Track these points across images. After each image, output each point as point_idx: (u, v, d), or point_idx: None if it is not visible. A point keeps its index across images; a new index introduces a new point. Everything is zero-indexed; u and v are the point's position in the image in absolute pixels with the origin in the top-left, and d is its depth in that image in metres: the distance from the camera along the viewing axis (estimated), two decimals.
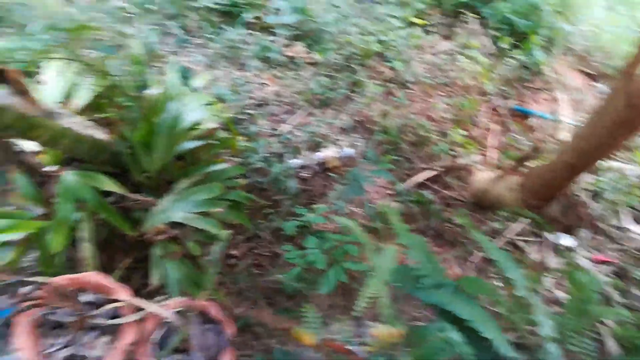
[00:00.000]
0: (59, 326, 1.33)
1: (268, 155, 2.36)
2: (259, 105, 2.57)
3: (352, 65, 2.77)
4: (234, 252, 2.21)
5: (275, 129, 2.49)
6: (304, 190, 2.33)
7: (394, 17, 3.01)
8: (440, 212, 2.25)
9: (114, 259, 1.86)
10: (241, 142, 2.21)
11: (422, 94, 2.76)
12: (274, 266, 2.15)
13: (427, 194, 2.34)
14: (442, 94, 2.78)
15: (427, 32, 3.06)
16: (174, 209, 1.71)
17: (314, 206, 2.26)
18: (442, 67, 2.87)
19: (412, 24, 3.05)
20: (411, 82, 2.76)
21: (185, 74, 1.55)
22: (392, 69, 2.81)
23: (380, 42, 2.83)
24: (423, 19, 3.08)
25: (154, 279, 1.70)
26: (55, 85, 1.81)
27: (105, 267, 1.73)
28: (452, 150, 2.53)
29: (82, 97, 1.81)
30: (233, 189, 1.99)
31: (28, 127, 1.37)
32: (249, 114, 2.50)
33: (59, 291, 1.26)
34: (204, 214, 1.79)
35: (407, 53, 2.85)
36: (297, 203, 2.26)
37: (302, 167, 2.36)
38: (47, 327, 1.32)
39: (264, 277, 2.15)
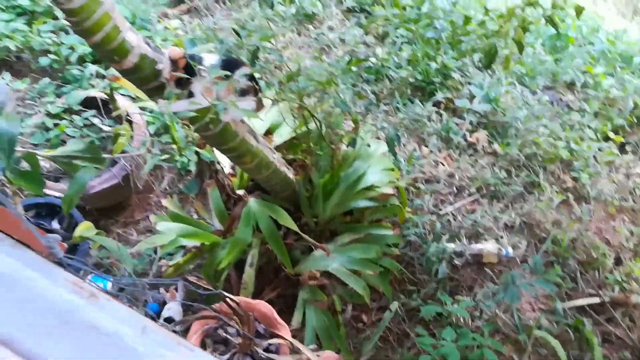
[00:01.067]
0: (224, 342, 1.42)
1: (426, 232, 2.34)
2: (428, 181, 2.58)
3: (533, 165, 2.67)
4: (364, 317, 2.20)
5: (440, 209, 2.47)
6: (452, 277, 2.26)
7: (589, 127, 2.86)
8: (598, 346, 2.01)
9: (262, 289, 1.97)
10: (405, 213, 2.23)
11: (604, 214, 2.54)
12: (402, 346, 2.09)
13: (587, 322, 2.11)
14: (627, 219, 2.54)
15: (623, 151, 2.85)
16: (332, 259, 1.76)
17: (459, 297, 2.17)
18: (633, 190, 2.63)
19: (607, 139, 2.86)
20: (594, 198, 2.56)
21: (393, 142, 1.63)
22: (575, 179, 2.65)
23: (568, 149, 2.69)
24: (620, 136, 2.87)
25: (295, 321, 1.76)
26: (264, 119, 2.03)
27: (252, 294, 1.84)
28: (626, 282, 2.27)
29: (282, 136, 2.00)
30: (387, 255, 2.01)
31: (245, 152, 1.53)
32: (416, 187, 2.53)
33: (237, 311, 1.35)
34: (355, 272, 1.82)
35: (596, 167, 2.67)
36: (442, 289, 2.20)
37: (457, 253, 2.29)
38: (213, 339, 1.43)
39: (387, 352, 2.09)
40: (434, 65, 2.99)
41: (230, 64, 1.35)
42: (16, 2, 2.99)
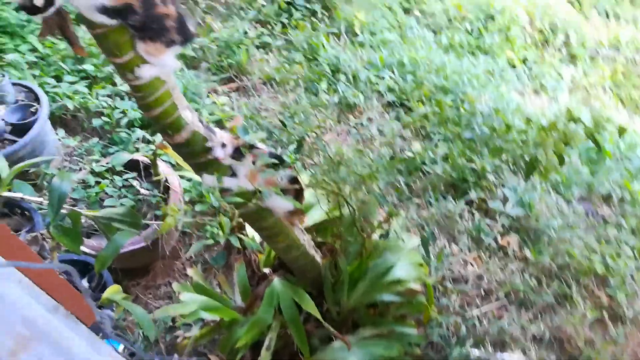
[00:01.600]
0: None
1: (450, 334, 2.25)
2: (456, 281, 2.52)
3: (565, 277, 2.59)
4: None
5: (465, 311, 2.39)
6: None
7: (626, 244, 2.78)
8: None
9: None
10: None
11: None
12: None
13: None
14: None
15: None
16: (352, 353, 1.70)
17: None
18: None
19: None
20: (630, 320, 2.44)
21: (427, 240, 1.62)
22: (610, 297, 2.54)
23: (604, 264, 2.61)
24: None
25: None
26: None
27: None
28: None
29: (314, 218, 2.01)
30: (408, 355, 1.92)
31: (279, 233, 1.55)
32: (444, 285, 2.47)
33: None
34: None
35: (634, 287, 2.57)
36: None
37: None
38: None
39: None
40: (469, 164, 3.02)
41: (276, 159, 1.42)
42: (82, 67, 3.22)
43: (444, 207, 2.82)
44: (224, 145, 1.32)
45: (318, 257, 1.86)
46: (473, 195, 2.91)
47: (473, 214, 2.84)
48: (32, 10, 1.11)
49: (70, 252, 2.04)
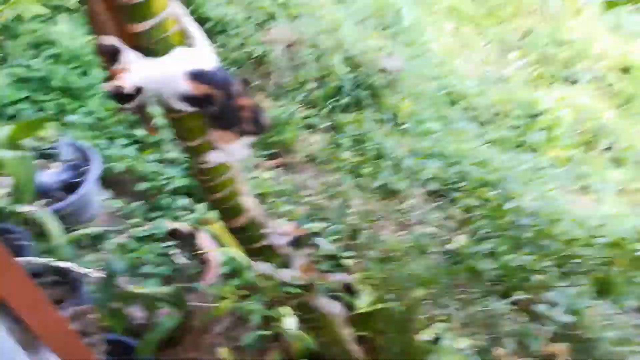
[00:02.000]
0: None
1: None
2: None
3: None
4: None
5: None
6: None
7: None
8: None
9: None
10: None
11: None
12: None
13: None
14: None
15: None
16: None
17: None
18: None
19: None
20: None
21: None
22: None
23: None
24: None
25: None
26: None
27: None
28: None
29: (356, 308, 1.91)
30: None
31: (322, 327, 1.46)
32: None
33: None
34: None
35: None
36: None
37: None
38: None
39: None
40: (515, 263, 2.89)
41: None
42: (133, 133, 3.32)
43: (488, 305, 2.67)
44: (282, 235, 1.29)
45: (357, 354, 1.75)
46: (518, 294, 2.75)
47: (519, 316, 2.67)
48: (123, 99, 1.14)
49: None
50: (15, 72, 3.30)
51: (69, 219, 2.70)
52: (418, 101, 4.41)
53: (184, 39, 1.18)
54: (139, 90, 1.12)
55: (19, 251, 2.08)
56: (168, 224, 2.66)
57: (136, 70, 1.11)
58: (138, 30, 1.09)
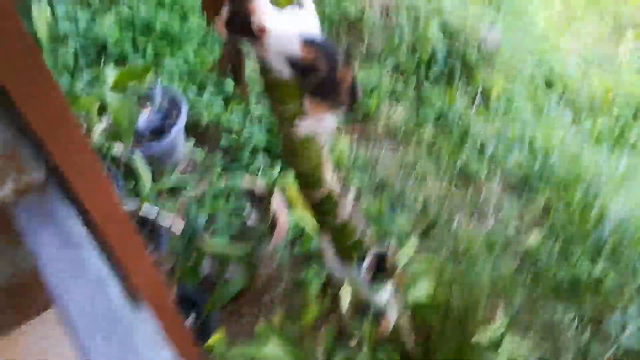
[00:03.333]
0: None
1: None
2: None
3: None
4: None
5: None
6: None
7: None
8: None
9: None
10: None
11: None
12: None
13: None
14: None
15: None
16: None
17: None
18: None
19: None
20: None
21: None
22: None
23: None
24: None
25: None
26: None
27: None
28: None
29: (416, 294, 1.92)
30: None
31: None
32: None
33: None
34: None
35: None
36: None
37: None
38: None
39: None
40: (590, 271, 2.76)
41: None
42: (222, 85, 3.40)
43: (553, 314, 2.59)
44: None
45: (411, 345, 1.78)
46: (586, 307, 2.65)
47: (584, 330, 2.58)
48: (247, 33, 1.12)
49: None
50: (122, 13, 3.44)
51: (154, 163, 2.87)
52: (512, 79, 4.15)
53: None
54: (262, 30, 1.10)
55: None
56: (244, 181, 2.75)
57: (268, 13, 1.10)
58: None
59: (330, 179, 1.30)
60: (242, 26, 1.07)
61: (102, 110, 1.85)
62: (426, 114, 3.61)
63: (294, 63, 1.12)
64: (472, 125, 3.58)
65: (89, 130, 1.92)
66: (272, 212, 2.57)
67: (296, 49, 1.10)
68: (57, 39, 3.22)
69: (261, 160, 3.02)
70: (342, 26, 3.94)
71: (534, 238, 3.05)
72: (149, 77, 3.01)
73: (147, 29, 3.49)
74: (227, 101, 3.34)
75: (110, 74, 2.06)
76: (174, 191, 2.82)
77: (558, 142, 3.62)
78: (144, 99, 2.94)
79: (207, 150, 3.18)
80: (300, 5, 1.18)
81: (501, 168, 3.44)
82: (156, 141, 2.84)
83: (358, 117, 3.54)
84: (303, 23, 1.14)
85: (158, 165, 2.88)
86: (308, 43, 1.11)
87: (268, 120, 3.17)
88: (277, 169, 2.94)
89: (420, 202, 3.05)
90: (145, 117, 2.93)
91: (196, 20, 3.65)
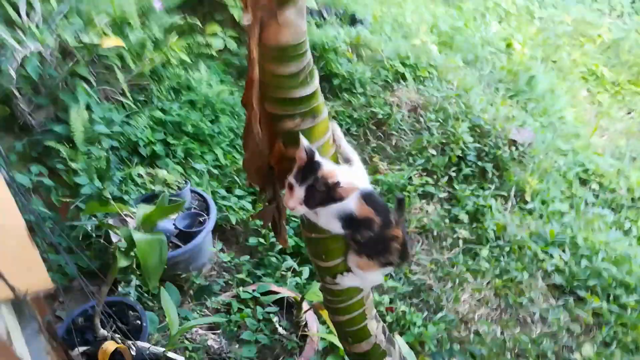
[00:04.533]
0: None
1: None
2: None
3: None
4: None
5: None
6: None
7: None
8: None
9: None
10: None
11: None
12: None
13: None
14: None
15: None
16: None
17: None
18: None
19: None
20: None
21: None
22: None
23: None
24: None
25: None
26: None
27: None
28: None
29: None
30: None
31: None
32: None
33: None
34: None
35: None
36: None
37: None
38: None
39: None
40: None
41: None
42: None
43: None
44: None
45: None
46: None
47: None
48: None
49: None
50: (154, 114, 3.54)
51: (180, 265, 2.78)
52: (546, 177, 4.05)
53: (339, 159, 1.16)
54: (343, 192, 1.05)
55: (135, 333, 2.10)
56: (272, 287, 2.61)
57: (342, 175, 1.07)
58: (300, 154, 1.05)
59: (375, 329, 1.18)
60: (322, 194, 1.05)
61: (130, 248, 1.76)
62: (459, 214, 3.49)
63: (346, 219, 1.08)
64: (508, 226, 3.43)
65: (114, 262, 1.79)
66: (301, 322, 2.40)
67: (352, 205, 1.08)
68: (93, 140, 3.29)
69: (289, 263, 2.90)
70: (370, 127, 3.98)
71: (586, 349, 2.78)
72: (177, 179, 3.01)
73: (179, 129, 3.56)
74: (255, 202, 3.30)
75: (141, 210, 1.96)
76: (199, 294, 2.69)
77: (602, 243, 3.41)
78: (173, 201, 2.91)
79: (235, 252, 3.08)
80: (349, 162, 1.18)
81: (543, 271, 3.24)
82: (184, 244, 2.77)
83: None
84: (358, 179, 1.13)
85: (184, 266, 2.78)
86: (366, 199, 1.10)
87: (297, 224, 3.09)
88: (306, 272, 2.81)
89: (458, 307, 2.84)
90: (173, 220, 2.88)
91: (226, 121, 3.73)
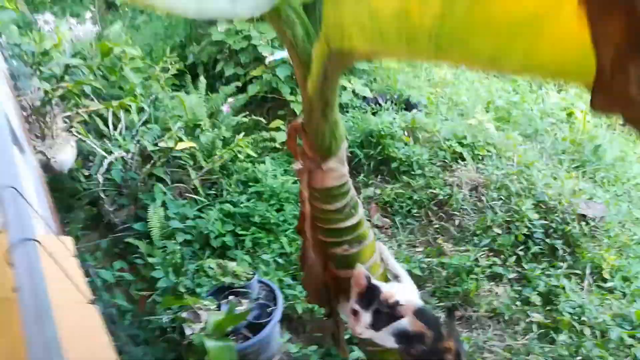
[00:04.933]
0: None
1: None
2: None
3: None
4: None
5: None
6: None
7: None
8: None
9: None
10: None
11: None
12: None
13: None
14: None
15: None
16: None
17: None
18: None
19: None
20: None
21: None
22: None
23: None
24: None
25: None
26: None
27: None
28: None
29: None
30: None
31: None
32: None
33: None
34: None
35: None
36: None
37: None
38: None
39: None
40: None
41: None
42: None
43: None
44: None
45: None
46: None
47: None
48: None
49: None
50: (224, 207, 3.77)
51: (250, 357, 2.83)
52: (625, 252, 3.83)
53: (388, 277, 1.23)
54: (395, 304, 1.13)
55: None
56: None
57: (399, 293, 1.15)
58: (348, 276, 1.15)
59: None
60: (386, 316, 1.14)
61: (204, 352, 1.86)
62: (531, 296, 3.36)
63: (400, 335, 1.15)
64: (587, 307, 3.24)
65: None
66: None
67: (406, 320, 1.14)
68: (168, 235, 3.54)
69: (356, 352, 2.88)
70: (431, 208, 4.00)
71: None
72: (245, 269, 3.14)
73: (247, 220, 3.75)
74: None
75: (212, 318, 2.07)
76: None
77: None
78: (241, 293, 3.03)
79: (301, 341, 3.11)
80: (398, 278, 1.26)
81: (632, 358, 2.99)
82: (252, 335, 2.83)
83: (456, 302, 3.36)
84: (409, 295, 1.21)
85: (254, 359, 2.83)
86: (419, 314, 1.16)
87: None
88: None
89: None
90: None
91: (290, 209, 3.89)
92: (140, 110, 4.00)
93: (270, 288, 3.13)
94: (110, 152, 3.53)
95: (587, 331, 3.10)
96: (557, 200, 3.89)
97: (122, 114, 3.81)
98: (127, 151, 3.59)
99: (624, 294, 3.48)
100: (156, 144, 3.71)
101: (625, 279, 3.60)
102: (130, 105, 3.84)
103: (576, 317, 3.19)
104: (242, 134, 4.09)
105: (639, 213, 4.29)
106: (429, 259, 3.62)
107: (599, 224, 3.86)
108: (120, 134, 3.79)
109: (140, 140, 3.72)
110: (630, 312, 3.25)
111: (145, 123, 3.96)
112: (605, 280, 3.55)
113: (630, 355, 2.99)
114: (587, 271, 3.58)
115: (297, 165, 1.19)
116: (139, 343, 2.82)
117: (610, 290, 3.50)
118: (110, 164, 3.56)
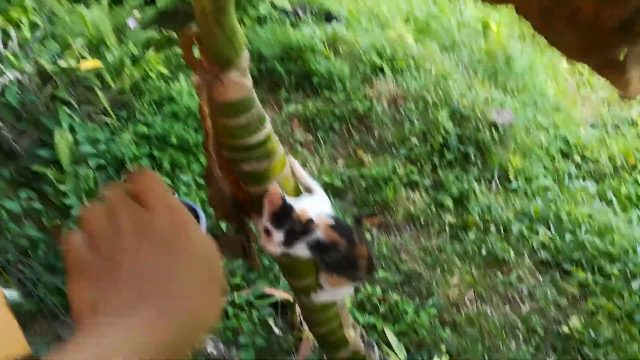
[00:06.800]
0: None
1: None
2: None
3: None
4: None
5: None
6: None
7: None
8: None
9: None
10: None
11: None
12: None
13: None
14: None
15: None
16: None
17: None
18: None
19: None
20: None
21: None
22: None
23: None
24: None
25: None
26: None
27: None
28: None
29: None
30: None
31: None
32: None
33: None
34: None
35: None
36: None
37: None
38: None
39: None
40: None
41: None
42: None
43: None
44: None
45: None
46: None
47: None
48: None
49: None
50: (138, 129, 3.60)
51: None
52: (529, 155, 4.14)
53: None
54: (308, 222, 1.14)
55: None
56: (266, 290, 2.70)
57: (311, 208, 1.16)
58: (258, 192, 1.14)
59: (353, 336, 1.29)
60: (299, 233, 1.14)
61: None
62: (444, 200, 3.58)
63: (314, 245, 1.17)
64: (493, 207, 3.52)
65: None
66: (296, 323, 2.49)
67: (319, 232, 1.16)
68: (79, 161, 3.36)
69: None
70: (352, 122, 4.04)
71: (575, 321, 2.88)
72: None
73: (164, 142, 3.62)
74: None
75: None
76: None
77: (585, 215, 3.51)
78: None
79: (227, 257, 3.16)
80: (310, 191, 1.26)
81: (529, 248, 3.33)
82: None
83: (376, 209, 3.53)
84: (322, 207, 1.22)
85: None
86: (332, 226, 1.18)
87: None
88: None
89: (448, 291, 2.94)
90: None
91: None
92: (34, 25, 3.61)
93: (192, 208, 3.11)
94: (2, 73, 3.20)
95: (492, 228, 3.39)
96: (471, 109, 4.05)
97: (12, 31, 3.42)
98: (22, 72, 3.28)
99: (526, 193, 3.80)
100: (56, 63, 3.41)
101: (527, 180, 3.92)
102: (21, 20, 3.45)
103: (483, 216, 3.46)
104: (152, 50, 3.84)
105: (543, 119, 4.59)
106: (349, 171, 3.72)
107: (507, 130, 4.09)
108: (12, 53, 3.43)
109: (37, 59, 3.39)
110: (530, 208, 3.57)
111: (41, 41, 3.60)
112: (510, 182, 3.84)
113: (527, 246, 3.32)
114: (495, 174, 3.84)
115: (195, 80, 1.13)
116: (58, 272, 2.75)
117: (514, 190, 3.80)
118: (4, 86, 3.24)
